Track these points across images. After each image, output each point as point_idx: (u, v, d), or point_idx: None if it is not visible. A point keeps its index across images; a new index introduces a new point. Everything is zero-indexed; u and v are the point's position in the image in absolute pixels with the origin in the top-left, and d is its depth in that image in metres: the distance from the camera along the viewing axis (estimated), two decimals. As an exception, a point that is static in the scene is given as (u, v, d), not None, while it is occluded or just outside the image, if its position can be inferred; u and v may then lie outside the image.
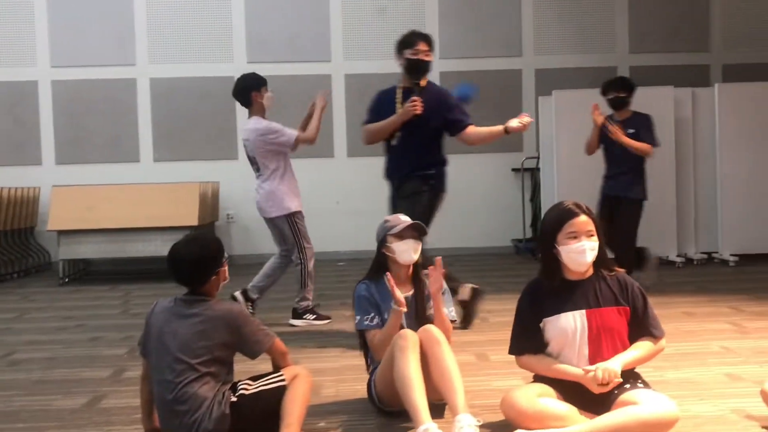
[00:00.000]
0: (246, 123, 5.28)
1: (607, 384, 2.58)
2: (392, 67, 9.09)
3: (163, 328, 2.68)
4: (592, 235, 2.73)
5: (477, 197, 8.73)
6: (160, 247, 7.34)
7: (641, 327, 2.76)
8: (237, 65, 8.75)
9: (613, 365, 2.61)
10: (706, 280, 6.44)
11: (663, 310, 5.07)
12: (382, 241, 3.18)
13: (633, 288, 2.79)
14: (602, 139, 5.84)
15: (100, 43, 8.70)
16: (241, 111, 8.73)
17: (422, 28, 8.77)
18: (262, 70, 8.57)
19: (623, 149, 5.64)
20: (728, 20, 8.75)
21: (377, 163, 8.62)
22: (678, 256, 7.43)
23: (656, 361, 3.63)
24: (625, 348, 2.73)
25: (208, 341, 2.62)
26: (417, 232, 3.18)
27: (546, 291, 2.79)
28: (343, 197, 8.76)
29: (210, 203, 8.07)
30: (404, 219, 3.22)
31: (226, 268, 2.79)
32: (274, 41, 8.74)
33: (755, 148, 7.35)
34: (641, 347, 2.74)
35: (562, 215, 2.74)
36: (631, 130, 5.68)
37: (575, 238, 2.70)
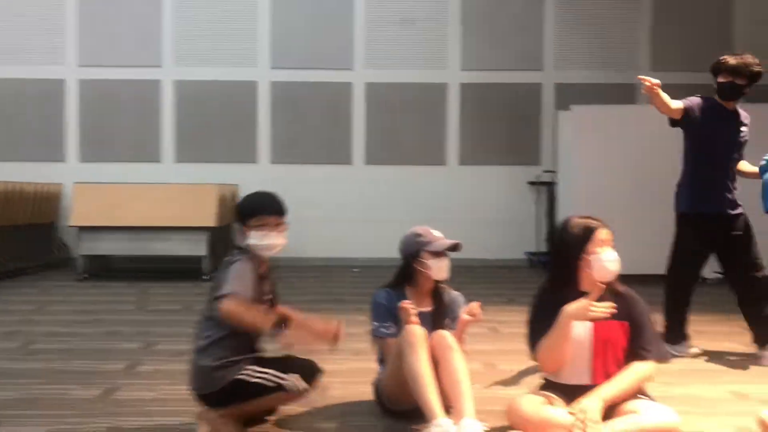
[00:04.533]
0: None
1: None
2: (412, 77, 9.21)
3: None
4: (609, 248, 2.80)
5: (492, 209, 8.79)
6: (177, 246, 7.46)
7: (636, 344, 2.77)
8: (260, 71, 8.90)
9: (594, 408, 2.60)
10: (719, 300, 6.42)
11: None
12: (414, 254, 3.16)
13: (638, 305, 2.83)
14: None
15: (127, 44, 8.88)
16: (263, 114, 8.91)
17: (444, 40, 8.95)
18: (284, 76, 8.80)
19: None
20: (751, 41, 8.73)
21: (394, 172, 8.83)
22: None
23: (666, 376, 3.69)
24: (620, 365, 2.77)
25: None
26: (452, 249, 3.16)
27: (557, 300, 2.83)
28: (361, 205, 8.84)
29: (229, 205, 8.18)
30: (437, 234, 3.20)
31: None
32: (297, 48, 8.86)
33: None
34: (627, 376, 2.72)
35: (591, 226, 2.82)
36: None
37: (598, 250, 2.77)
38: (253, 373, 2.80)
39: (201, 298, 5.28)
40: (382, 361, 3.18)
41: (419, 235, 3.19)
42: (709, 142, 4.27)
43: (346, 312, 5.37)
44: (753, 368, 3.97)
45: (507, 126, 8.91)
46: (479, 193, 8.89)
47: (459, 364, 2.82)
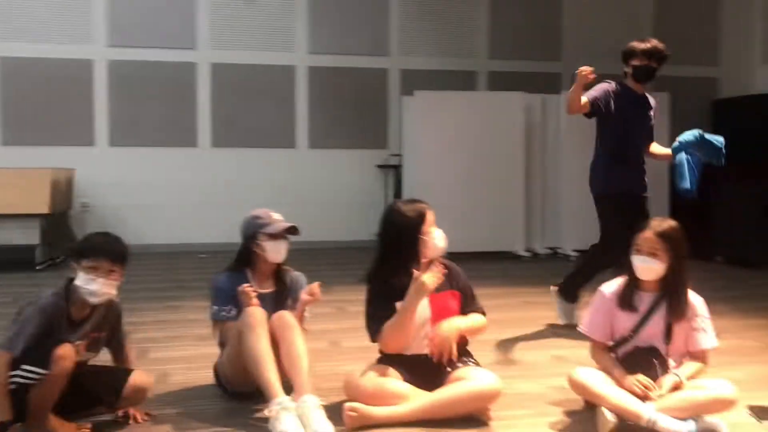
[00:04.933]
0: None
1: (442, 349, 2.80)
2: (259, 58, 9.09)
3: None
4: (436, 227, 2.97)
5: (342, 192, 8.90)
6: (8, 235, 6.98)
7: (469, 308, 3.02)
8: (96, 48, 8.44)
9: (450, 329, 2.85)
10: (546, 273, 6.93)
11: (506, 300, 5.52)
12: (251, 237, 3.17)
13: (461, 274, 3.06)
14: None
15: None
16: (100, 94, 8.47)
17: (292, 22, 8.92)
18: (123, 54, 8.40)
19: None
20: (577, 32, 9.40)
21: (242, 155, 8.71)
22: (526, 250, 7.94)
23: (493, 345, 3.96)
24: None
25: None
26: (290, 232, 3.19)
27: (393, 283, 2.96)
28: (208, 189, 8.65)
29: (64, 191, 7.73)
30: (277, 217, 3.22)
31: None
32: (136, 25, 8.48)
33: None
34: (474, 318, 3.00)
35: (423, 209, 2.96)
36: None
37: (431, 231, 2.94)
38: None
39: (33, 289, 5.01)
40: (222, 344, 3.18)
41: (257, 217, 3.21)
42: (624, 126, 4.40)
43: (191, 299, 5.30)
44: (575, 335, 4.34)
45: (356, 110, 9.04)
46: (329, 176, 8.97)
47: (298, 343, 2.89)
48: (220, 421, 2.89)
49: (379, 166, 8.97)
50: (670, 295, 2.85)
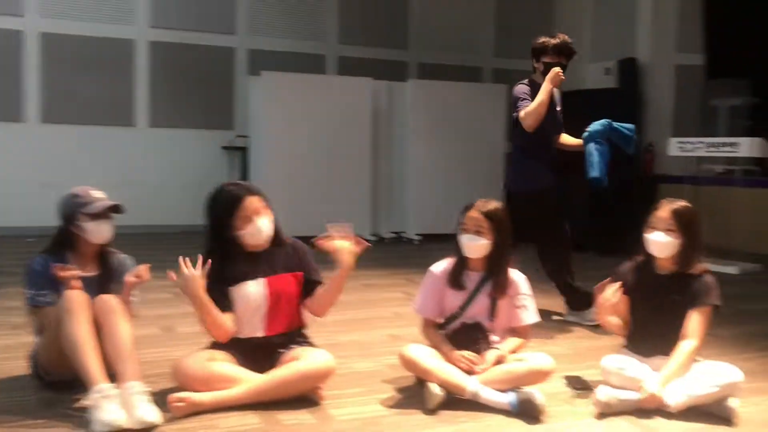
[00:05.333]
0: None
1: None
2: (95, 30, 8.53)
3: None
4: (262, 215, 2.88)
5: (186, 174, 8.58)
6: None
7: (314, 285, 2.98)
8: None
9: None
10: (391, 256, 7.09)
11: (347, 283, 5.54)
12: (70, 218, 2.96)
13: (300, 249, 3.02)
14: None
15: None
16: None
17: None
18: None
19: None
20: (423, 21, 9.63)
21: (76, 133, 8.16)
22: (372, 234, 8.06)
23: (333, 326, 3.98)
24: (299, 313, 2.95)
25: None
26: (113, 211, 3.01)
27: (230, 262, 2.88)
28: (36, 168, 8.03)
29: None
30: (97, 195, 3.01)
31: None
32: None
33: (440, 141, 8.23)
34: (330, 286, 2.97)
35: (234, 196, 2.87)
36: None
37: (250, 220, 2.85)
38: None
39: None
40: (40, 332, 2.96)
41: (76, 195, 2.99)
42: (541, 124, 4.33)
43: (11, 285, 4.89)
44: (407, 315, 4.46)
45: (200, 89, 8.73)
46: (172, 157, 8.62)
47: (122, 328, 2.74)
48: (38, 413, 2.69)
49: (225, 148, 8.74)
50: (494, 273, 2.98)
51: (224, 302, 2.84)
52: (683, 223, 2.90)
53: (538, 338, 3.87)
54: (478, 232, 2.94)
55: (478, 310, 2.98)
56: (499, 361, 2.88)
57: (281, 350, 2.85)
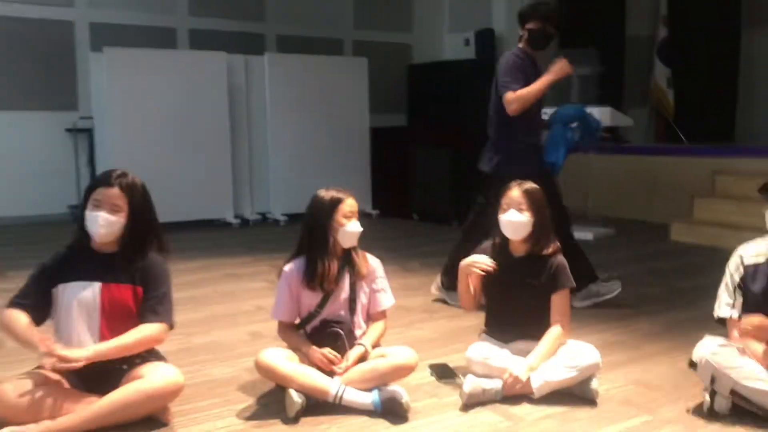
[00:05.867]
0: None
1: None
2: None
3: None
4: (117, 211, 2.58)
5: (28, 159, 7.85)
6: None
7: (146, 310, 2.59)
8: None
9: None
10: (256, 240, 6.82)
11: (209, 273, 5.26)
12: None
13: (156, 269, 2.65)
14: None
15: None
16: None
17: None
18: None
19: None
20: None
21: None
22: (235, 217, 7.73)
23: (187, 327, 3.70)
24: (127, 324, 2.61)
25: None
26: None
27: (69, 259, 2.60)
28: None
29: None
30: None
31: None
32: None
33: (302, 116, 7.97)
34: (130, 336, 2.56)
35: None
36: None
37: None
38: None
39: None
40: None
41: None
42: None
43: None
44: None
45: (39, 67, 7.96)
46: (9, 142, 7.84)
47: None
48: None
49: (69, 130, 8.05)
50: (350, 260, 2.83)
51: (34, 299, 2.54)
52: (534, 203, 2.88)
53: (400, 323, 3.81)
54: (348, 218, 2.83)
55: (337, 304, 2.83)
56: (363, 358, 2.75)
57: (124, 366, 2.56)
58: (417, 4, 10.00)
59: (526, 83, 3.94)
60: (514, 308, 2.90)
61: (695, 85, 8.91)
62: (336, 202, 2.79)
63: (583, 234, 6.53)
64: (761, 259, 2.63)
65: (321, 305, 2.80)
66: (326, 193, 2.82)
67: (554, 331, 2.83)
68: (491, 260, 2.87)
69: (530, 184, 2.95)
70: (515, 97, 3.91)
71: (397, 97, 9.52)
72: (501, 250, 2.96)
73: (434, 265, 5.49)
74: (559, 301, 2.87)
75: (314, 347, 2.73)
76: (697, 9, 8.70)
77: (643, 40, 9.31)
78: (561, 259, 2.92)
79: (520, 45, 4.10)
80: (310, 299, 2.82)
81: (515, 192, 2.90)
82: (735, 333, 2.61)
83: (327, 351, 2.72)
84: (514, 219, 2.87)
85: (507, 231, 2.90)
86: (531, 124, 4.11)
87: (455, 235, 6.94)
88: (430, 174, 7.88)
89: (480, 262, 2.86)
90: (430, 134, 8.44)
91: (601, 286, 4.20)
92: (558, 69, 3.94)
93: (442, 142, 7.98)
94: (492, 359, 2.79)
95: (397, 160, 8.31)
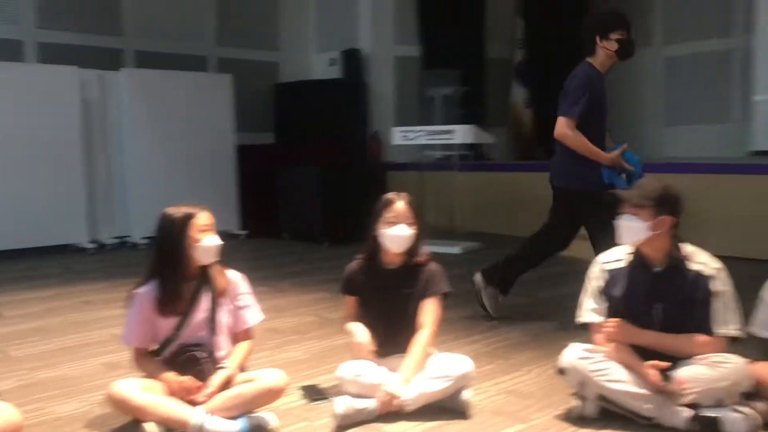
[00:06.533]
0: None
1: None
2: None
3: None
4: None
5: None
6: None
7: None
8: None
9: None
10: (114, 265, 6.40)
11: (61, 302, 4.85)
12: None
13: None
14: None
15: None
16: None
17: None
18: None
19: None
20: (139, 7, 8.84)
21: None
22: (91, 242, 7.24)
23: (33, 361, 3.36)
24: None
25: None
26: None
27: None
28: None
29: None
30: None
31: None
32: None
33: (164, 135, 7.61)
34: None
35: None
36: None
37: None
38: None
39: None
40: None
41: None
42: (601, 114, 3.84)
43: None
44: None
45: None
46: None
47: None
48: None
49: None
50: (207, 277, 2.66)
51: None
52: (416, 215, 2.84)
53: (270, 346, 3.65)
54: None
55: (196, 326, 2.64)
56: (228, 382, 2.58)
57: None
58: (283, 23, 9.89)
59: (592, 101, 3.78)
60: (391, 321, 2.83)
61: (551, 104, 9.33)
62: (188, 218, 2.61)
63: (451, 248, 6.64)
64: (621, 264, 2.71)
65: (178, 328, 2.60)
66: (176, 210, 2.63)
67: (422, 337, 2.76)
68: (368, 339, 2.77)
69: (408, 196, 2.90)
70: (573, 136, 3.77)
71: (265, 116, 9.34)
72: (373, 263, 2.89)
73: (305, 284, 5.37)
74: (428, 306, 2.82)
75: (170, 374, 2.53)
76: (550, 33, 9.15)
77: (502, 62, 9.69)
78: (435, 266, 2.89)
79: (591, 59, 3.87)
80: (167, 323, 2.61)
81: (401, 205, 2.83)
82: (599, 337, 2.67)
83: (186, 379, 2.51)
84: (404, 233, 2.80)
85: (393, 244, 2.82)
86: (598, 132, 3.91)
87: (326, 254, 6.89)
88: (298, 192, 7.75)
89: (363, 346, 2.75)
90: (298, 152, 8.33)
91: None
92: (616, 160, 3.77)
93: (310, 160, 7.89)
94: (364, 376, 2.70)
95: (266, 179, 8.12)
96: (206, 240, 2.61)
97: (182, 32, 9.07)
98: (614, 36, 3.79)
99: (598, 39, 3.81)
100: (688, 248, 2.65)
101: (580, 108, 3.76)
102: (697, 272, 2.59)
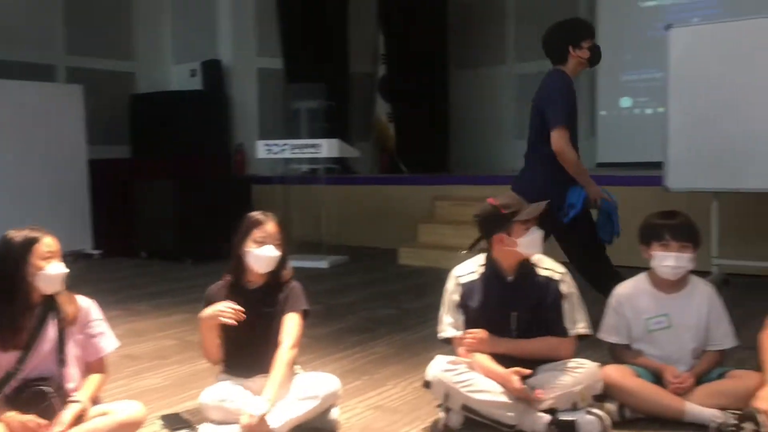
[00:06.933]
0: None
1: None
2: None
3: None
4: None
5: None
6: None
7: None
8: None
9: None
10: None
11: None
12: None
13: None
14: None
15: None
16: None
17: None
18: None
19: None
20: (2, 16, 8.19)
21: None
22: None
23: None
24: None
25: None
26: None
27: None
28: None
29: None
30: None
31: None
32: None
33: (10, 147, 7.03)
34: None
35: None
36: None
37: None
38: None
39: None
40: None
41: None
42: (576, 122, 3.72)
43: None
44: None
45: None
46: None
47: None
48: None
49: None
50: (54, 305, 2.48)
51: None
52: (283, 236, 2.78)
53: (126, 374, 3.46)
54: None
55: (42, 358, 2.43)
56: (81, 417, 2.39)
57: None
58: (138, 31, 9.49)
59: (571, 108, 3.77)
60: (253, 341, 2.74)
61: (413, 119, 9.57)
62: (30, 243, 2.40)
63: (318, 262, 6.61)
64: (475, 276, 2.79)
65: (20, 362, 2.39)
66: (17, 234, 2.42)
67: (282, 354, 2.66)
68: (234, 304, 2.68)
69: (276, 216, 2.83)
70: (570, 154, 3.70)
71: (120, 128, 8.91)
72: (235, 283, 2.80)
73: (164, 306, 5.14)
74: (288, 322, 2.75)
75: (11, 414, 2.31)
76: (410, 50, 9.38)
77: (366, 77, 9.82)
78: (296, 284, 2.84)
79: (563, 67, 3.85)
80: (7, 357, 2.39)
81: (271, 226, 2.75)
82: (461, 350, 2.73)
83: (29, 417, 2.31)
84: (271, 254, 2.72)
85: (259, 264, 2.74)
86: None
87: (188, 273, 6.64)
88: (155, 208, 7.43)
89: (225, 310, 2.66)
90: (154, 166, 8.00)
91: None
92: (597, 194, 3.77)
93: (168, 174, 7.60)
94: (228, 401, 2.60)
95: (121, 195, 7.73)
96: (50, 268, 2.42)
97: (26, 39, 8.48)
98: (585, 44, 3.83)
99: (570, 48, 3.82)
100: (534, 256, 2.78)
101: (567, 116, 3.73)
102: (546, 277, 2.74)
